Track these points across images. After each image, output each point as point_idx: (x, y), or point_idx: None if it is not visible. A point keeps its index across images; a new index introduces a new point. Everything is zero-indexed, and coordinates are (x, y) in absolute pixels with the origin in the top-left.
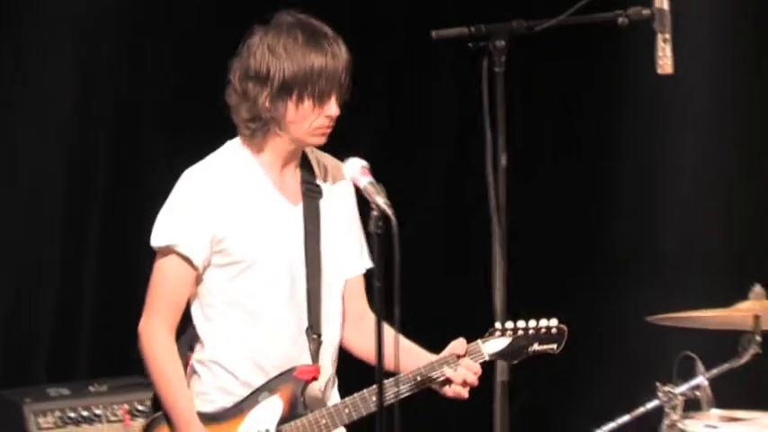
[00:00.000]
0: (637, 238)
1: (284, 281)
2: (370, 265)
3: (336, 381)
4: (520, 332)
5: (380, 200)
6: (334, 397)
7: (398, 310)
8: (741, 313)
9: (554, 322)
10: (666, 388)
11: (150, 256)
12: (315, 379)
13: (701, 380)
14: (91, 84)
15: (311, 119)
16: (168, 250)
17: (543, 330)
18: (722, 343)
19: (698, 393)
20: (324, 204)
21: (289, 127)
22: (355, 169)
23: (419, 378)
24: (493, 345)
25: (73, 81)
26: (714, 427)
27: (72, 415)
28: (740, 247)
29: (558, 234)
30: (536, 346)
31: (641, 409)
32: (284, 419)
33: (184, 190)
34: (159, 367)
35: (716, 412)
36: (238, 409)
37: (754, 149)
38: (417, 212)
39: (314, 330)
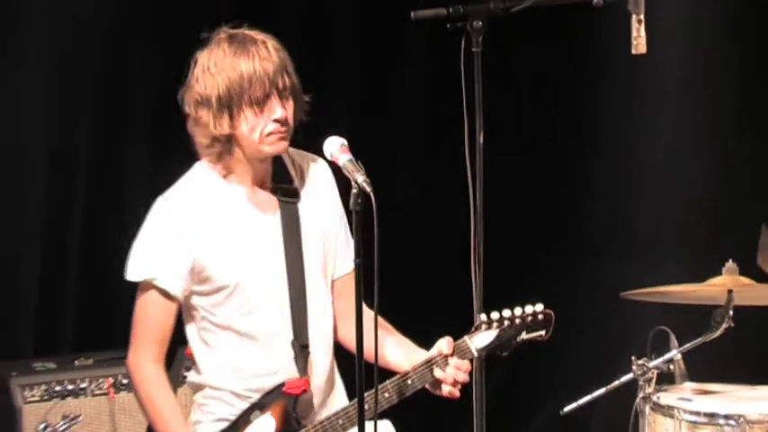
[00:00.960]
0: (611, 217)
1: (272, 297)
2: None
3: (342, 385)
4: (506, 323)
5: (360, 177)
6: (339, 403)
7: (378, 285)
8: (714, 288)
9: (540, 308)
10: (641, 362)
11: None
12: (305, 392)
13: (674, 354)
14: (71, 83)
15: (260, 127)
16: (147, 284)
17: (530, 318)
18: (695, 318)
19: (671, 367)
20: (303, 207)
21: (242, 142)
22: (335, 147)
23: (409, 382)
24: (480, 339)
25: (54, 81)
26: (687, 399)
27: (58, 388)
28: (713, 224)
29: (532, 213)
30: (524, 335)
31: (616, 383)
32: None
33: (158, 219)
34: (150, 398)
35: (689, 385)
36: (231, 431)
37: (728, 128)
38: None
39: (299, 342)
